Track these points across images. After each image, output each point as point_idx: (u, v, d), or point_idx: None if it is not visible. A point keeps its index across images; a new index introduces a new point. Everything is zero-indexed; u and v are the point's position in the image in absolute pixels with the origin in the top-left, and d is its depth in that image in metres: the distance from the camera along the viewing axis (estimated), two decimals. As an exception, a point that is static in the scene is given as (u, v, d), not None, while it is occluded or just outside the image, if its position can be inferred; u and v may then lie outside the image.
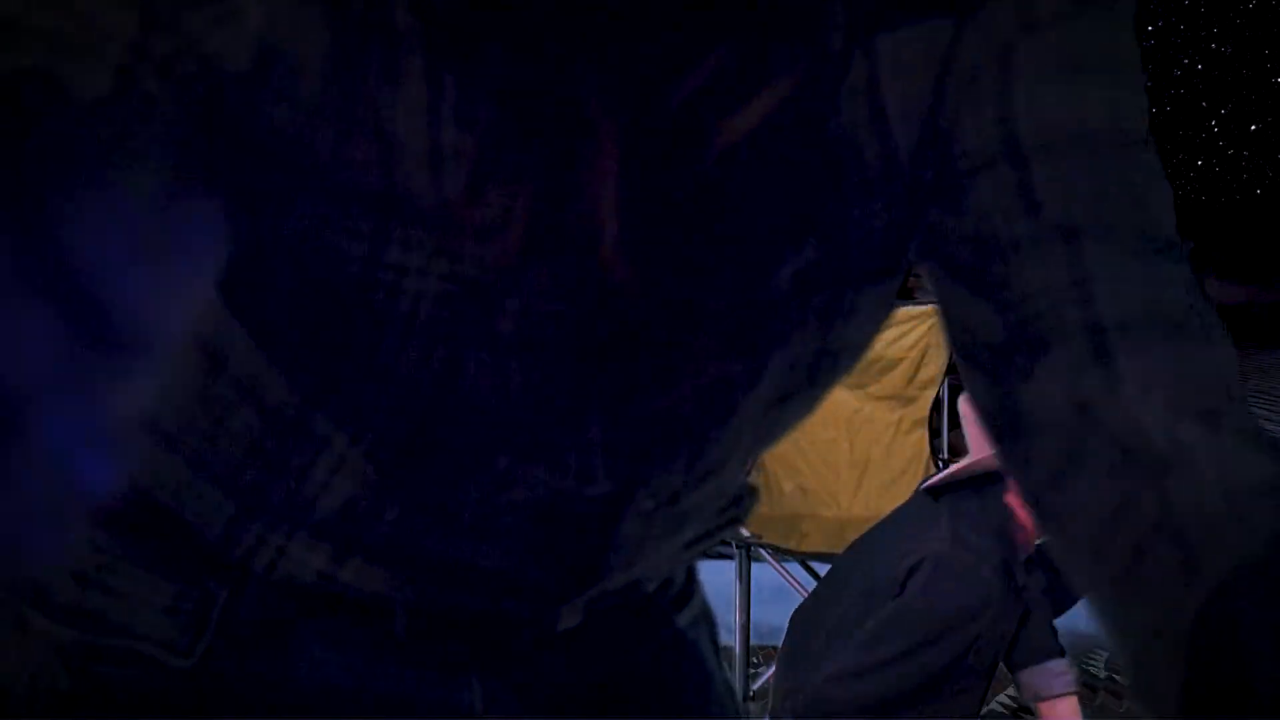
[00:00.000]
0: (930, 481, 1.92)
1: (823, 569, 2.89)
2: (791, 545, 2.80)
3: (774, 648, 2.43)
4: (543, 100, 0.43)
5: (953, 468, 1.86)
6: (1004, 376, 0.51)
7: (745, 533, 2.70)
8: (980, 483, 1.82)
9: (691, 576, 0.71)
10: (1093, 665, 3.15)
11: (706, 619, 0.71)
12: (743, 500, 0.65)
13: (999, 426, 0.52)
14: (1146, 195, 0.50)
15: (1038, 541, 1.87)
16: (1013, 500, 1.81)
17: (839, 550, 2.83)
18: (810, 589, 2.75)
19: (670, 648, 0.67)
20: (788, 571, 2.73)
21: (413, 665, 0.56)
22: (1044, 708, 1.95)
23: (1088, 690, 2.98)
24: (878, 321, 0.55)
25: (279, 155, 0.44)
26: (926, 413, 3.36)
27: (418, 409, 0.48)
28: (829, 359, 0.53)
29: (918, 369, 3.33)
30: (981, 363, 0.52)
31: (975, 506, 1.81)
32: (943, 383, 3.37)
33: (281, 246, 0.46)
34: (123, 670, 0.53)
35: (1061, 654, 1.98)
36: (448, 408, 0.48)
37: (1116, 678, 3.06)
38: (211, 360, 0.51)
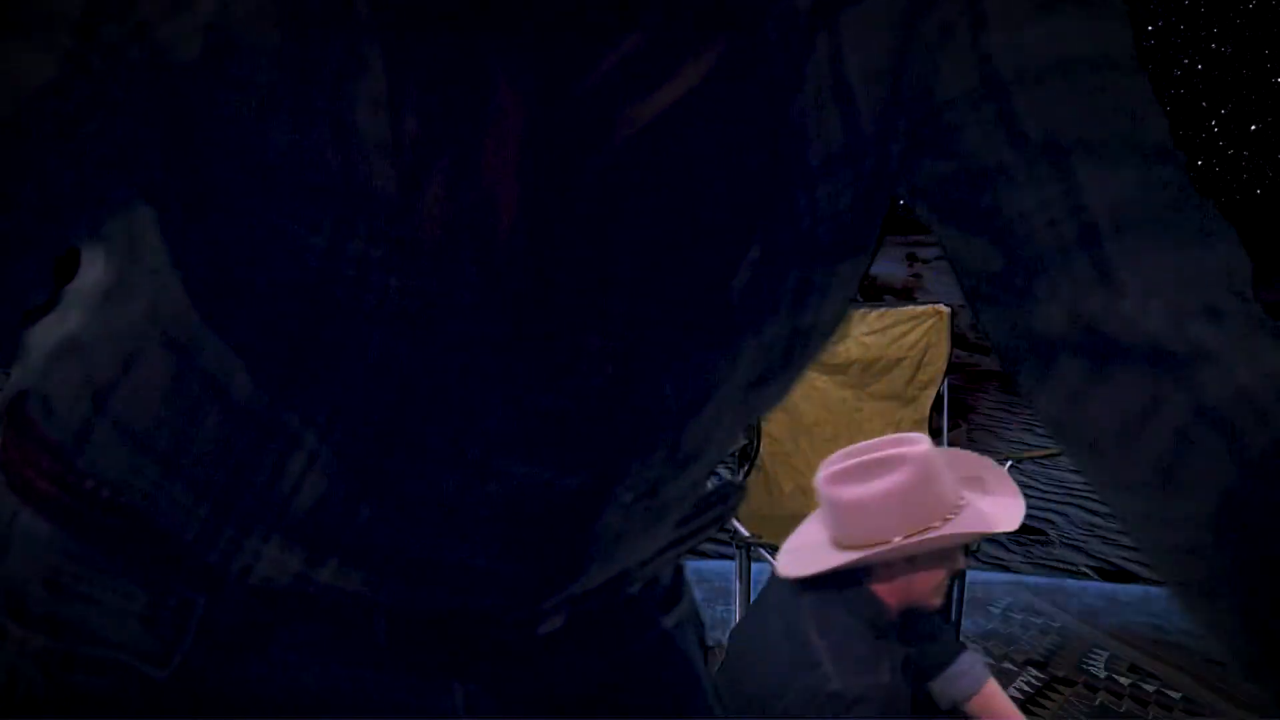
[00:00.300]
0: (787, 570, 1.84)
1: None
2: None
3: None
4: (462, 86, 0.43)
5: (820, 564, 1.79)
6: (1008, 302, 0.51)
7: (745, 533, 2.70)
8: (843, 580, 1.79)
9: (679, 577, 0.70)
10: (1093, 665, 3.14)
11: (694, 620, 0.71)
12: (729, 497, 0.65)
13: (1013, 356, 0.52)
14: (1134, 111, 0.50)
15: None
16: (878, 588, 1.78)
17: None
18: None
19: (655, 649, 0.66)
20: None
21: (393, 669, 0.56)
22: (969, 707, 1.93)
23: (1088, 690, 2.98)
24: (848, 297, 0.55)
25: (234, 146, 0.43)
26: (926, 413, 3.36)
27: (387, 401, 0.48)
28: (801, 339, 0.53)
29: (918, 369, 3.33)
30: (987, 295, 0.52)
31: (837, 599, 1.77)
32: (943, 383, 3.37)
33: (241, 239, 0.45)
34: (100, 679, 0.52)
35: (963, 649, 1.95)
36: (417, 399, 0.48)
37: (1117, 678, 3.06)
38: (179, 359, 0.50)
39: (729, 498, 0.65)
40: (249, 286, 0.47)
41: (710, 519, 0.63)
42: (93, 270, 0.54)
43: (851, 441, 3.34)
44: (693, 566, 3.65)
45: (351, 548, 0.52)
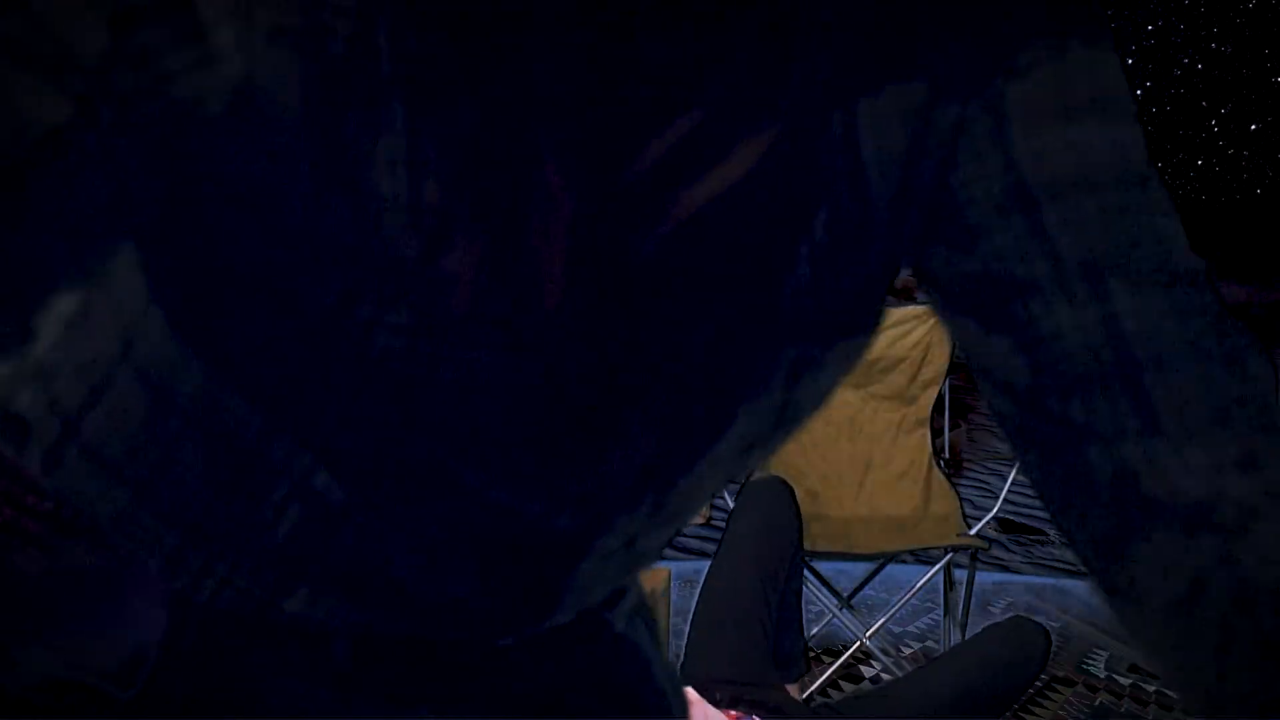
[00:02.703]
0: None
1: (824, 568, 2.90)
2: (805, 546, 2.80)
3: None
4: (502, 158, 0.43)
5: None
6: (1047, 434, 0.51)
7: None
8: None
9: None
10: (1093, 665, 3.15)
11: (641, 612, 0.71)
12: None
13: (1044, 488, 0.52)
14: (1160, 228, 0.51)
15: None
16: None
17: (844, 550, 2.84)
18: (816, 588, 2.76)
19: (611, 650, 0.67)
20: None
21: (356, 689, 0.56)
22: None
23: (1088, 690, 2.98)
24: (845, 371, 0.55)
25: (247, 203, 0.43)
26: (928, 412, 3.36)
27: (386, 437, 0.48)
28: (791, 411, 0.53)
29: (919, 369, 3.33)
30: (1011, 406, 0.52)
31: None
32: (944, 382, 3.37)
33: (246, 286, 0.45)
34: (61, 700, 0.51)
35: None
36: (414, 439, 0.48)
37: (1116, 677, 3.07)
38: (156, 394, 0.49)
39: None
40: (249, 327, 0.46)
41: None
42: (54, 298, 0.53)
43: (853, 442, 3.35)
44: (691, 567, 3.65)
45: (324, 576, 0.51)
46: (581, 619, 0.63)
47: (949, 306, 0.54)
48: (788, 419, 0.53)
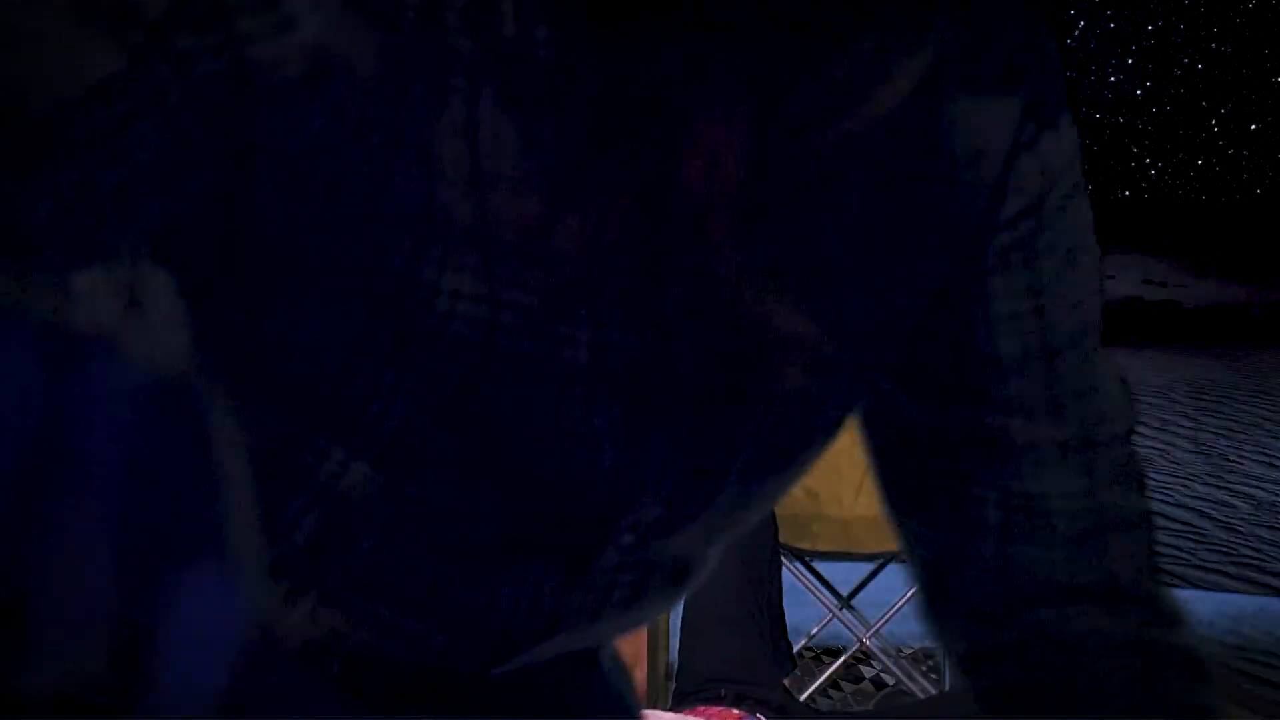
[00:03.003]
0: None
1: (824, 568, 2.90)
2: (805, 545, 2.80)
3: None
4: (637, 122, 0.43)
5: None
6: (989, 560, 0.55)
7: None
8: None
9: None
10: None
11: (615, 660, 0.71)
12: None
13: (977, 646, 0.58)
14: (1115, 385, 0.55)
15: None
16: None
17: (844, 550, 2.84)
18: (816, 588, 2.76)
19: (598, 688, 0.66)
20: (800, 570, 2.74)
21: (350, 700, 0.55)
22: None
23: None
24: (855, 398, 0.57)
25: (318, 168, 0.43)
26: (927, 413, 3.36)
27: (423, 434, 0.47)
28: (821, 434, 0.55)
29: (918, 369, 3.33)
30: (964, 541, 0.55)
31: None
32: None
33: (302, 257, 0.45)
34: (51, 713, 0.51)
35: None
36: (465, 409, 0.47)
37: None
38: (171, 417, 0.49)
39: None
40: (297, 305, 0.46)
41: None
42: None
43: (853, 442, 3.34)
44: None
45: (334, 585, 0.51)
46: (575, 655, 0.63)
47: (919, 437, 0.57)
48: (812, 446, 0.55)
